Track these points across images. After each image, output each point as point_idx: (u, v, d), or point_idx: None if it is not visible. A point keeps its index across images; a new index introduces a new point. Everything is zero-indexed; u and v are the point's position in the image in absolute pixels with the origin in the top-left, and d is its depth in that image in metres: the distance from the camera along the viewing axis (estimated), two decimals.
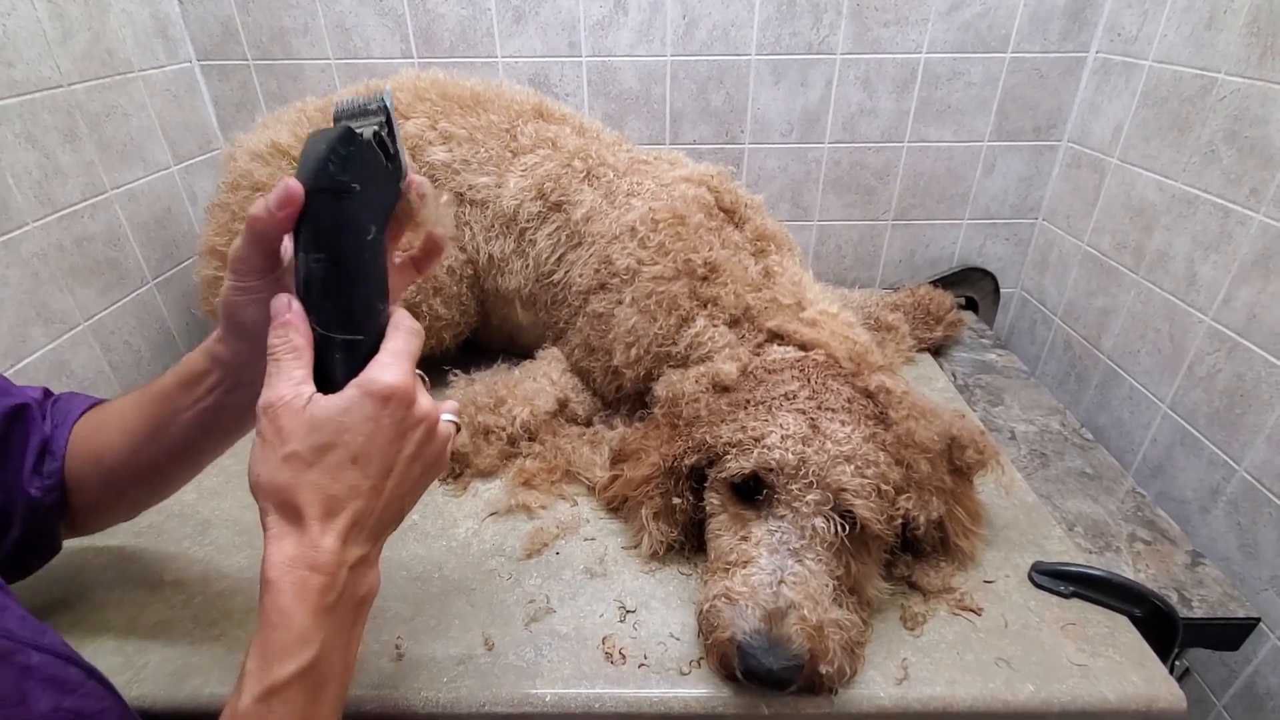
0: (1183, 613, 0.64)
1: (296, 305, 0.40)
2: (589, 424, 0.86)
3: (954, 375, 1.01)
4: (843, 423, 0.59)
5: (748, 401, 0.62)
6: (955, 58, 1.04)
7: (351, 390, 0.39)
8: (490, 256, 0.88)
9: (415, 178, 0.44)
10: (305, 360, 0.40)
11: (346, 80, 1.07)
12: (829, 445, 0.56)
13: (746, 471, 0.57)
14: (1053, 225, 1.15)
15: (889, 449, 0.59)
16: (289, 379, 0.39)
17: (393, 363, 0.40)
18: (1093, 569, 0.63)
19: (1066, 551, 0.68)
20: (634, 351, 0.78)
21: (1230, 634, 0.65)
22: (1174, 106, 0.89)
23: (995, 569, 0.66)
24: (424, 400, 0.42)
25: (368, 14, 1.02)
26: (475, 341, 0.99)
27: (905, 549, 0.64)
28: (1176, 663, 0.65)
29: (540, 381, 0.84)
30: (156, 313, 1.00)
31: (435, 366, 0.93)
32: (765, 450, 0.56)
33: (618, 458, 0.75)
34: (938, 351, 1.06)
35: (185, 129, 1.06)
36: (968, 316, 1.16)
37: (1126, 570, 0.68)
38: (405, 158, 0.43)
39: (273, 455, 0.38)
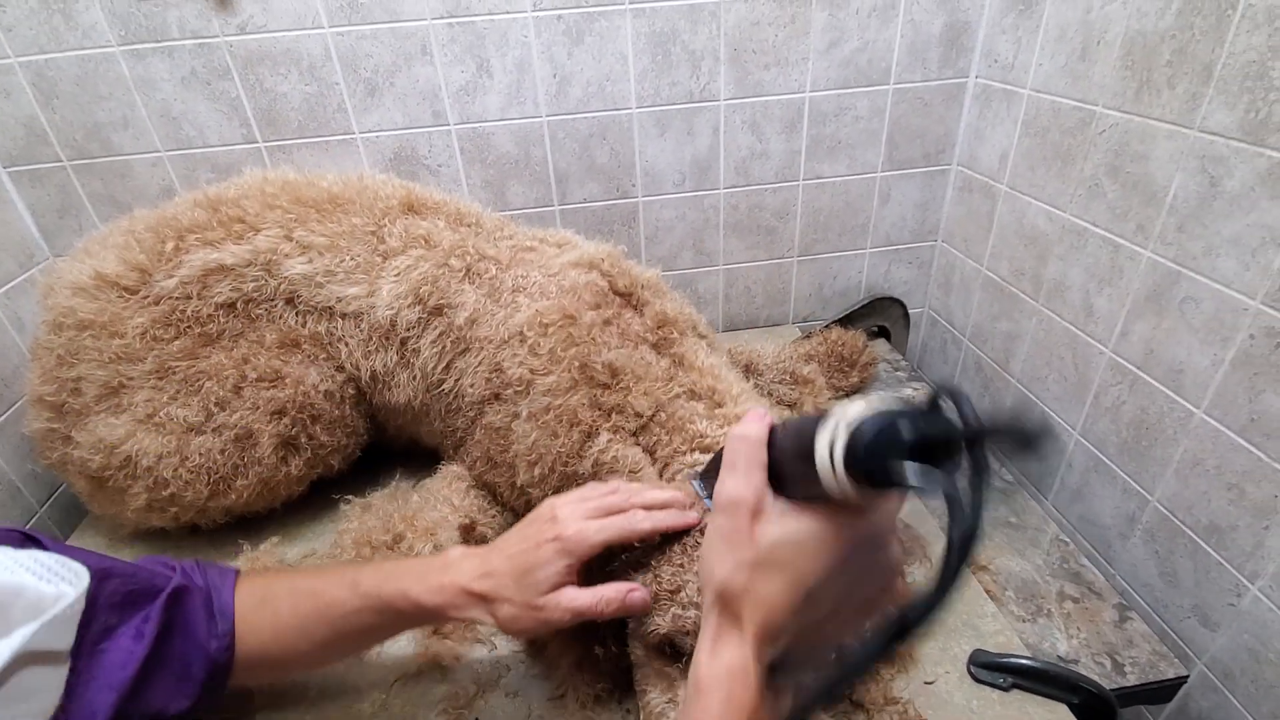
0: (1116, 681, 0.64)
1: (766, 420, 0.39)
2: None
3: None
4: None
5: (661, 541, 0.57)
6: (840, 94, 1.01)
7: (827, 515, 0.36)
8: (373, 372, 0.80)
9: None
10: (764, 469, 0.38)
11: (183, 174, 0.95)
12: None
13: (661, 634, 0.52)
14: (951, 247, 1.15)
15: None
16: (751, 482, 0.38)
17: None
18: (1029, 660, 0.62)
19: (1002, 631, 0.67)
20: (538, 470, 0.72)
21: (1162, 692, 0.66)
22: (1055, 137, 0.89)
23: (934, 665, 0.64)
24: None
25: (195, 99, 0.91)
26: (374, 447, 0.91)
27: None
28: None
29: (441, 509, 0.77)
30: None
31: (325, 492, 0.85)
32: (681, 610, 0.52)
33: None
34: (856, 393, 1.04)
35: None
36: (881, 346, 1.15)
37: (1060, 638, 0.68)
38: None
39: (731, 556, 0.38)
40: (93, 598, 0.48)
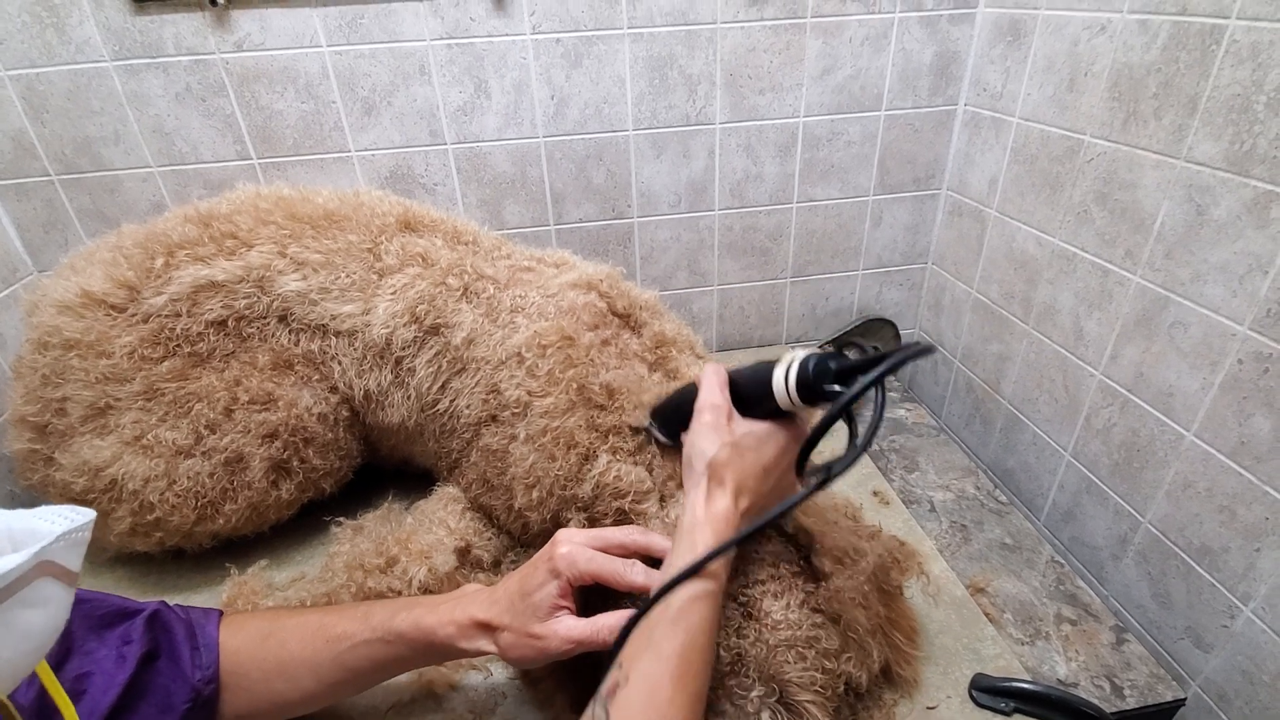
0: (1115, 704, 0.64)
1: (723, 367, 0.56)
2: (497, 566, 0.78)
3: None
4: (774, 596, 0.54)
5: None
6: (833, 119, 1.03)
7: (782, 425, 0.51)
8: (366, 391, 0.79)
9: None
10: (728, 391, 0.54)
11: (174, 189, 0.94)
12: (766, 634, 0.51)
13: None
14: (941, 270, 1.17)
15: (823, 608, 0.55)
16: (724, 395, 0.53)
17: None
18: (1031, 684, 0.62)
19: (1002, 655, 0.67)
20: (535, 494, 0.71)
21: (1159, 715, 0.66)
22: (1044, 165, 0.91)
23: (936, 689, 0.64)
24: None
25: (190, 116, 0.90)
26: (365, 467, 0.89)
27: (846, 692, 0.61)
28: None
29: (437, 531, 0.76)
30: None
31: (315, 514, 0.83)
32: None
33: None
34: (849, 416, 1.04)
35: None
36: None
37: (1059, 660, 0.68)
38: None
39: (717, 437, 0.51)
40: (68, 624, 0.47)
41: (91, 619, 0.49)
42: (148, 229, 0.78)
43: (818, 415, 0.47)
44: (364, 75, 0.90)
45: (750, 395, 0.52)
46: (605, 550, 0.53)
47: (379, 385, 0.78)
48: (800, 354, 0.49)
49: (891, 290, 1.21)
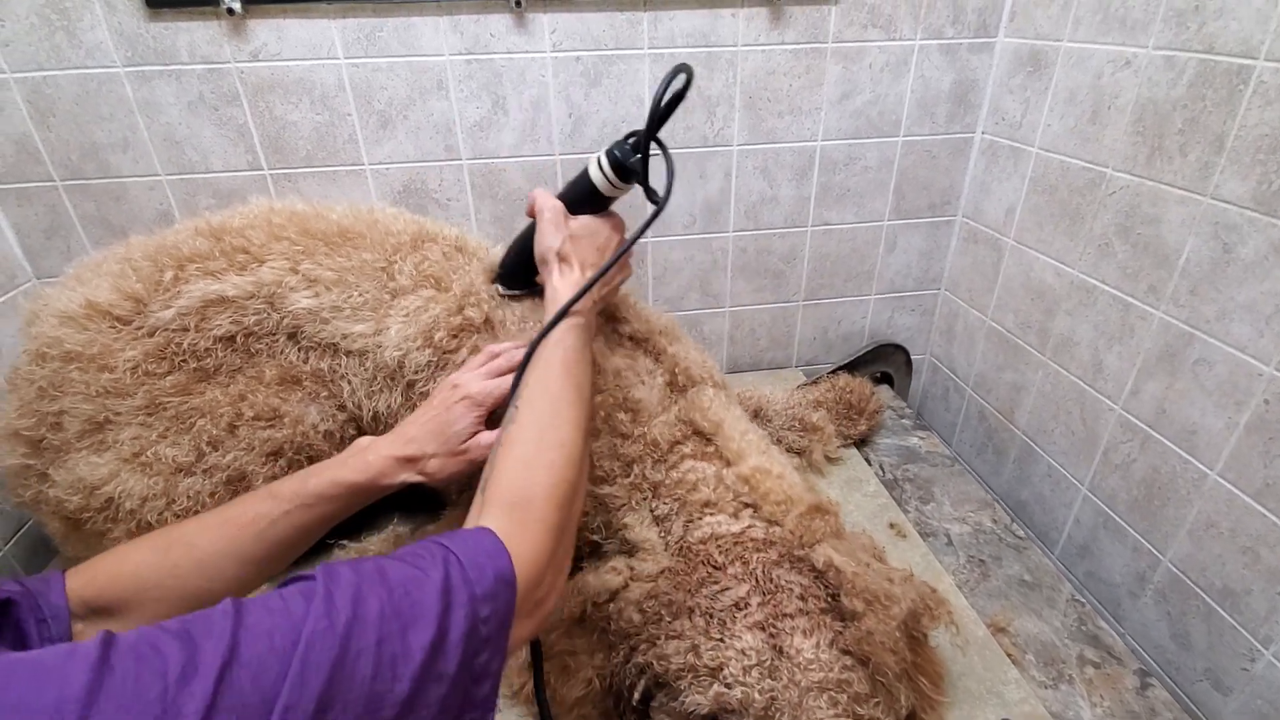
0: None
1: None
2: None
3: (881, 468, 0.98)
4: (805, 633, 0.52)
5: (692, 610, 0.55)
6: (850, 144, 1.02)
7: (602, 217, 0.67)
8: (375, 413, 0.77)
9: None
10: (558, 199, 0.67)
11: (182, 198, 0.92)
12: (799, 675, 0.49)
13: (704, 713, 0.50)
14: (954, 296, 1.16)
15: (852, 649, 0.53)
16: (556, 203, 0.66)
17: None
18: None
19: (1026, 700, 0.65)
20: None
21: None
22: (1064, 196, 0.90)
23: None
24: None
25: (202, 125, 0.88)
26: None
27: None
28: None
29: None
30: None
31: None
32: (725, 688, 0.49)
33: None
34: (863, 441, 1.03)
35: None
36: (885, 393, 1.15)
37: (1083, 705, 0.67)
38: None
39: (558, 233, 0.64)
40: None
41: None
42: (157, 241, 0.76)
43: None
44: (380, 88, 0.89)
45: (577, 199, 0.66)
46: (499, 372, 0.64)
47: (389, 407, 0.76)
48: (603, 150, 0.63)
49: (904, 315, 1.20)
